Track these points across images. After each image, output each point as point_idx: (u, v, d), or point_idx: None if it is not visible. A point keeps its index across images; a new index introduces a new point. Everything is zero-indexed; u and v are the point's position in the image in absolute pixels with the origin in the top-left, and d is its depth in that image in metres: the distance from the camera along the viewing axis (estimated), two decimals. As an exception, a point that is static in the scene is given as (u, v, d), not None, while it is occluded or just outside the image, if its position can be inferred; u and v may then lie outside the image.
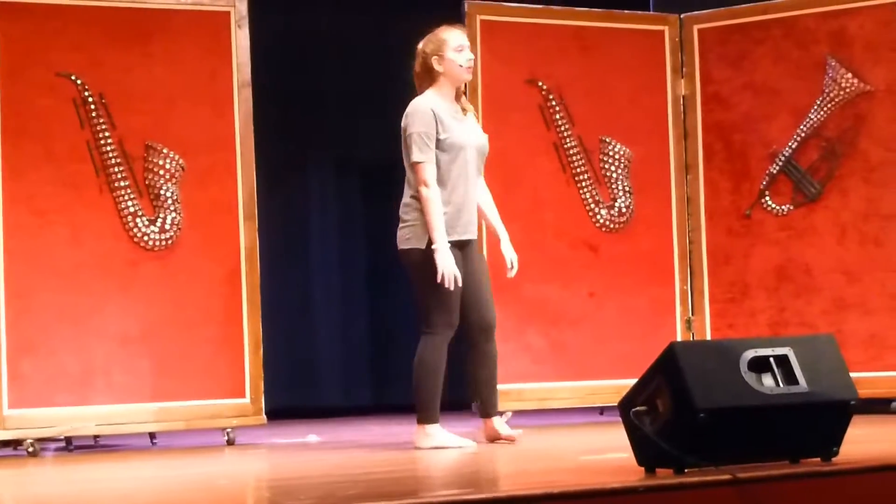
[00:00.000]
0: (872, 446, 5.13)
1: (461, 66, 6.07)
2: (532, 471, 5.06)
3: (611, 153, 7.63)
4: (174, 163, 6.83)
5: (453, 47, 6.07)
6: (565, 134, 7.56)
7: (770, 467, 4.35)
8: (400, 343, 8.55)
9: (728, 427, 4.36)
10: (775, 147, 7.58)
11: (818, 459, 4.54)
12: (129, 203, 6.77)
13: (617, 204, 7.63)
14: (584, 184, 7.58)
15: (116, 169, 6.76)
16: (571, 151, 7.57)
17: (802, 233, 7.51)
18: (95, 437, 6.98)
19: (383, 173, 9.04)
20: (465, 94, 6.30)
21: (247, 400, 6.87)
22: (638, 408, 4.47)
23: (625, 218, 7.64)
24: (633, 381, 4.57)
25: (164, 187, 6.82)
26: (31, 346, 6.57)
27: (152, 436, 6.97)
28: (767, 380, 4.48)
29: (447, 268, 5.89)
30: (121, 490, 5.08)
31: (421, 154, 5.98)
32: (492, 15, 7.45)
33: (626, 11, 7.89)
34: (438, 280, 5.88)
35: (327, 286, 9.15)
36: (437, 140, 5.99)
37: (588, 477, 4.55)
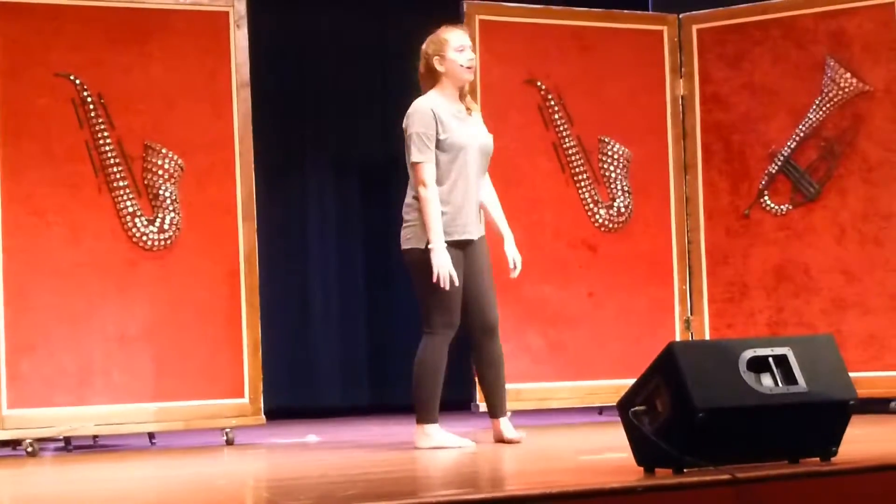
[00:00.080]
0: (871, 446, 5.13)
1: (462, 65, 6.07)
2: (531, 471, 5.06)
3: (610, 153, 7.63)
4: (173, 163, 6.83)
5: (454, 47, 6.07)
6: (564, 134, 7.56)
7: (769, 467, 4.35)
8: (399, 343, 8.56)
9: (727, 427, 4.36)
10: (774, 147, 7.59)
11: (817, 459, 4.54)
12: (128, 203, 6.77)
13: (616, 204, 7.63)
14: (582, 184, 7.58)
15: (115, 169, 6.76)
16: (570, 151, 7.57)
17: (801, 233, 7.51)
18: (94, 437, 6.98)
19: (382, 173, 9.06)
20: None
21: (246, 400, 6.87)
22: (637, 408, 4.46)
23: (624, 218, 7.64)
24: (631, 381, 4.56)
25: (163, 187, 6.82)
26: (29, 346, 6.57)
27: (151, 436, 6.97)
28: (766, 380, 4.48)
29: (442, 267, 5.90)
30: (120, 490, 5.08)
31: (420, 154, 5.98)
32: (490, 15, 7.45)
33: (625, 11, 7.89)
34: (434, 280, 5.89)
35: (326, 286, 9.15)
36: (437, 140, 6.00)
37: (587, 477, 4.55)
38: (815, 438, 4.55)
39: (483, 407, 6.61)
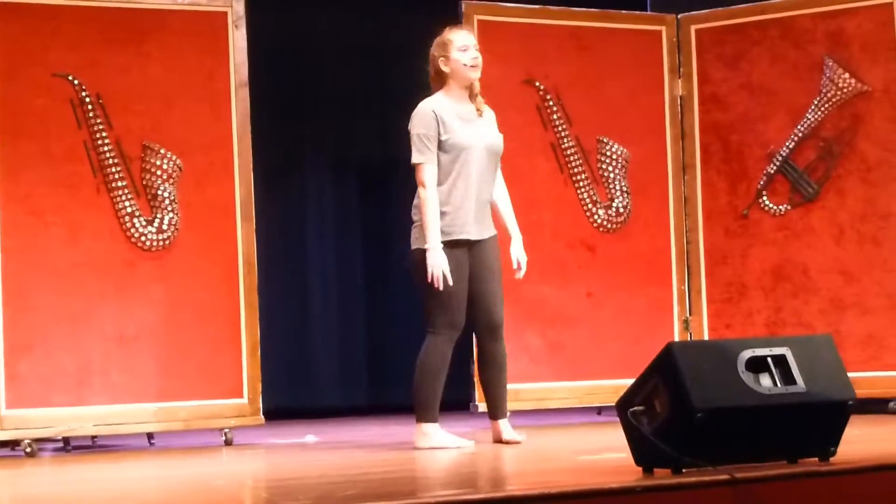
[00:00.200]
0: (870, 446, 5.13)
1: (466, 64, 6.07)
2: (530, 471, 5.06)
3: (608, 153, 7.63)
4: (171, 163, 6.83)
5: (458, 47, 6.08)
6: (563, 134, 7.56)
7: (768, 467, 4.35)
8: (398, 343, 8.56)
9: (726, 427, 4.36)
10: (773, 147, 7.59)
11: (816, 459, 4.54)
12: (127, 203, 6.77)
13: (614, 204, 7.63)
14: (581, 184, 7.58)
15: (113, 169, 6.75)
16: (569, 151, 7.57)
17: (800, 233, 7.52)
18: (93, 437, 6.98)
19: (381, 173, 9.06)
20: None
21: (245, 400, 6.87)
22: (635, 408, 4.46)
23: (622, 218, 7.64)
24: (630, 381, 4.56)
25: (162, 187, 6.81)
26: (28, 346, 6.57)
27: (150, 436, 6.97)
28: (765, 380, 4.48)
29: (436, 267, 5.92)
30: (118, 490, 5.08)
31: (420, 155, 6.00)
32: (489, 15, 7.45)
33: (623, 11, 7.88)
34: (428, 280, 5.90)
35: (325, 286, 9.15)
36: (439, 141, 6.01)
37: (586, 477, 4.55)
38: (814, 438, 4.55)
39: (483, 407, 6.61)
